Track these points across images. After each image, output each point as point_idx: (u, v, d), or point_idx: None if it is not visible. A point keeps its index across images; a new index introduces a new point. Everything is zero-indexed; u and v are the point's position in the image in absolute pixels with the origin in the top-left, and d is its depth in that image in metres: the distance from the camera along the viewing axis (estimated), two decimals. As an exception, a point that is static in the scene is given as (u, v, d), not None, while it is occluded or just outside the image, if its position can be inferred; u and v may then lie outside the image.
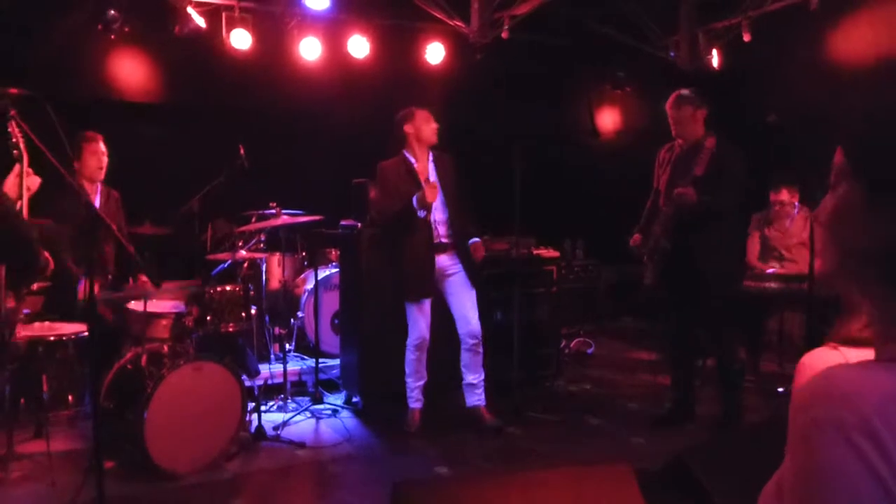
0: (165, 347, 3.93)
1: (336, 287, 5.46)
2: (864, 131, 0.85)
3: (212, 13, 5.66)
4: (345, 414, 4.71)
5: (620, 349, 6.65)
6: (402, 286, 4.29)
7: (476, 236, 4.44)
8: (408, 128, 4.28)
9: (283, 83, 6.25)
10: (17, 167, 3.31)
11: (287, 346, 5.20)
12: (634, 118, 8.30)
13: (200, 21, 5.50)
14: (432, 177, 4.27)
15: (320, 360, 5.04)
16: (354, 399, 4.90)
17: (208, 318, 4.24)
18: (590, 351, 6.29)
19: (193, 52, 5.80)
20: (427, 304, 4.29)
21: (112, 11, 5.32)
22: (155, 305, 4.14)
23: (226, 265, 5.07)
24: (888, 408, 0.72)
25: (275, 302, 5.50)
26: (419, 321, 4.28)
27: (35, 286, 3.84)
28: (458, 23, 6.14)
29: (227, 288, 4.36)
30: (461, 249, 4.34)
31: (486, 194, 4.79)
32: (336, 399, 5.00)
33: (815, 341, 0.99)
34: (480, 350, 4.31)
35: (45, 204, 3.71)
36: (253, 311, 4.55)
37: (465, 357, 4.32)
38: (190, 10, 5.43)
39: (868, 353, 0.85)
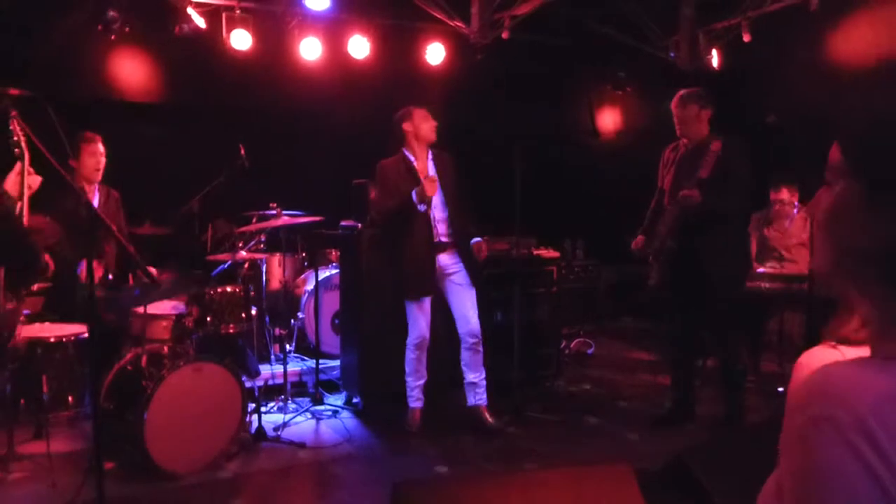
0: (165, 348, 3.93)
1: (336, 287, 5.46)
2: (864, 131, 0.85)
3: (212, 13, 5.66)
4: (345, 414, 4.71)
5: (620, 349, 6.64)
6: (402, 284, 4.29)
7: (477, 236, 4.44)
8: (406, 126, 4.29)
9: (283, 83, 6.25)
10: (18, 165, 3.31)
11: (287, 346, 5.20)
12: (634, 118, 8.30)
13: (200, 21, 5.51)
14: (431, 172, 4.27)
15: (321, 361, 5.04)
16: (355, 400, 4.90)
17: (208, 318, 4.25)
18: (590, 351, 6.29)
19: (194, 51, 5.80)
20: (427, 302, 4.30)
21: (112, 12, 5.32)
22: (155, 306, 4.14)
23: (226, 266, 5.07)
24: (883, 407, 0.72)
25: (275, 302, 5.50)
26: (419, 320, 4.28)
27: (35, 287, 3.85)
28: (458, 23, 6.14)
29: (228, 289, 4.37)
30: (461, 248, 4.34)
31: (486, 194, 4.78)
32: (336, 400, 4.99)
33: (815, 341, 0.99)
34: (480, 349, 4.31)
35: (46, 203, 3.72)
36: (253, 312, 4.55)
37: (465, 356, 4.32)
38: (190, 10, 5.43)
39: (865, 352, 0.85)
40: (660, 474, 1.95)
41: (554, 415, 4.67)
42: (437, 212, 4.28)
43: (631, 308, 7.47)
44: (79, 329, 3.84)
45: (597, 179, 7.75)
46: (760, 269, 5.23)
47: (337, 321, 5.52)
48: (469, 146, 5.63)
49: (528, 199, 4.53)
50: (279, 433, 4.24)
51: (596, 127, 8.67)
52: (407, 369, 4.38)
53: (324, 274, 5.50)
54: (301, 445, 4.09)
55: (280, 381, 4.76)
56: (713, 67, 6.40)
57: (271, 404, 4.74)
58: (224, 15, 5.73)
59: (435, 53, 6.55)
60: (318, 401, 4.85)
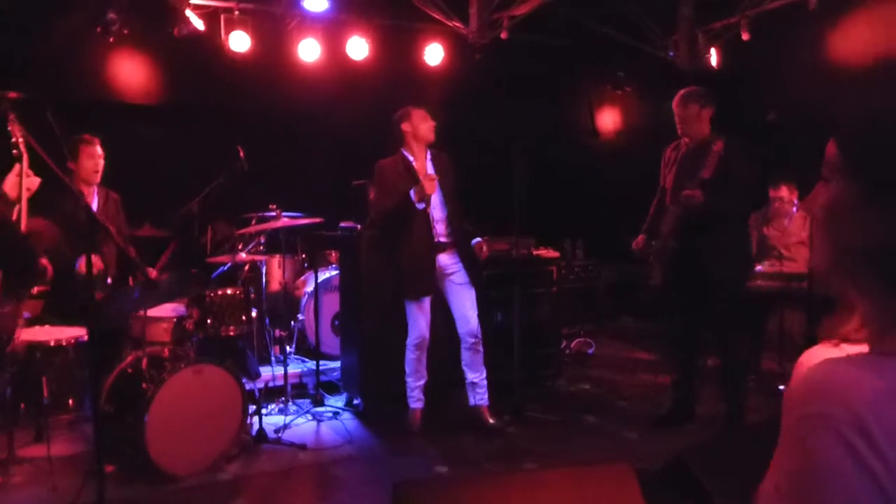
0: (166, 351, 3.93)
1: (336, 289, 5.46)
2: (863, 130, 0.85)
3: (210, 15, 5.66)
4: (346, 416, 4.71)
5: (620, 349, 6.64)
6: (402, 285, 4.29)
7: (476, 236, 4.44)
8: (405, 126, 4.29)
9: (282, 84, 6.25)
10: (17, 167, 3.30)
11: (287, 348, 5.19)
12: (634, 118, 8.30)
13: (199, 23, 5.50)
14: (430, 172, 4.27)
15: (321, 362, 5.04)
16: (355, 401, 4.90)
17: (209, 321, 4.25)
18: (590, 351, 6.29)
19: (193, 53, 5.80)
20: (427, 302, 4.29)
21: (111, 13, 5.32)
22: (155, 309, 4.14)
23: (226, 268, 5.07)
24: (880, 404, 0.72)
25: (275, 304, 5.50)
26: (419, 320, 4.28)
27: (35, 290, 3.84)
28: (456, 23, 6.14)
29: (228, 291, 4.37)
30: (461, 248, 4.34)
31: (486, 194, 4.79)
32: (337, 401, 4.99)
33: (815, 340, 0.99)
34: (480, 349, 4.31)
35: (45, 205, 3.71)
36: (253, 314, 4.55)
37: (465, 356, 4.32)
38: (188, 12, 5.43)
39: (866, 350, 0.85)
40: (660, 474, 1.94)
41: (554, 415, 4.67)
42: (436, 212, 4.28)
43: (631, 308, 7.46)
44: (79, 332, 3.84)
45: (596, 179, 7.75)
46: (760, 268, 5.23)
47: (337, 322, 5.52)
48: (469, 146, 5.63)
49: (528, 198, 4.52)
50: (280, 435, 4.24)
51: (595, 127, 8.67)
52: (407, 370, 4.38)
53: (323, 275, 5.50)
54: (302, 447, 4.09)
55: (280, 382, 4.76)
56: (712, 67, 6.40)
57: (272, 406, 4.74)
58: (223, 16, 5.73)
59: (434, 54, 6.55)
60: (319, 402, 4.85)
